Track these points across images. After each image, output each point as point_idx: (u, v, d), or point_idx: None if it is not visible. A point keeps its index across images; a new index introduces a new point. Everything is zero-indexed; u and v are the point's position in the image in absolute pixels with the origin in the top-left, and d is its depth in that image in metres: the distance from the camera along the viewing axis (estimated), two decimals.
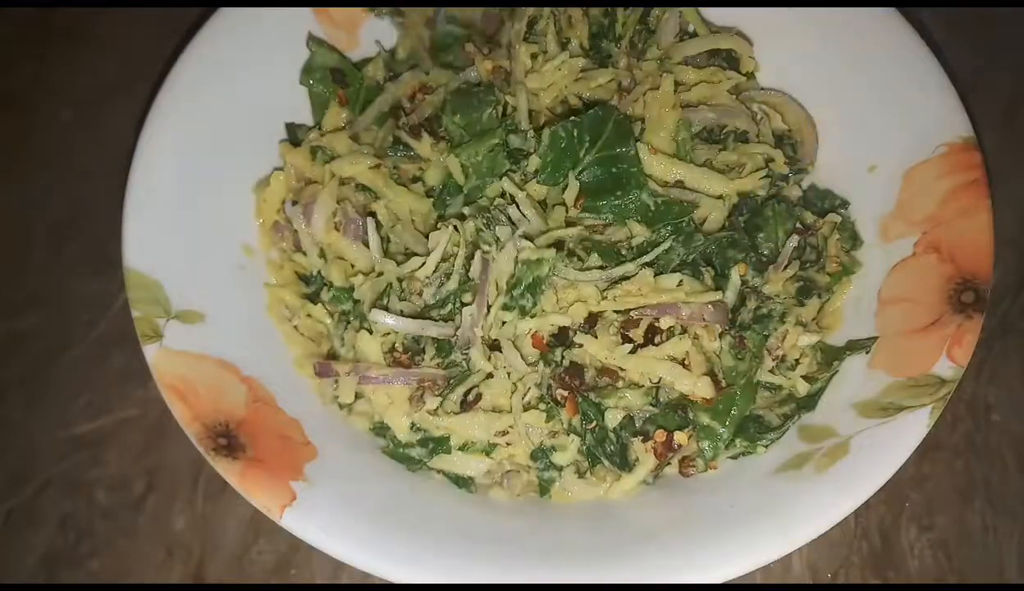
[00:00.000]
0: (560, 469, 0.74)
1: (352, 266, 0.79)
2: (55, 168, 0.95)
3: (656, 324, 0.73)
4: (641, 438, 0.74)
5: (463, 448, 0.75)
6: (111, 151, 0.90)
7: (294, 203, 0.81)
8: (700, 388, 0.72)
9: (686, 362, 0.73)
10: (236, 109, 0.83)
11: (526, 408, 0.73)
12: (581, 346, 0.73)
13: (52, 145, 0.96)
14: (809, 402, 0.75)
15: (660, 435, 0.73)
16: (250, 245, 0.81)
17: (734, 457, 0.74)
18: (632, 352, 0.72)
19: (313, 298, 0.80)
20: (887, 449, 0.68)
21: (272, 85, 0.86)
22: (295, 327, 0.79)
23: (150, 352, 0.72)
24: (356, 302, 0.77)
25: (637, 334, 0.73)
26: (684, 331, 0.73)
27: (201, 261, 0.78)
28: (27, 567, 0.78)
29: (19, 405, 0.84)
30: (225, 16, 0.84)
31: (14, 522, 0.80)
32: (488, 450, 0.74)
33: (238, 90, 0.84)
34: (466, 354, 0.74)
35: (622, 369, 0.73)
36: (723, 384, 0.74)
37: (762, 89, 0.87)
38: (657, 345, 0.73)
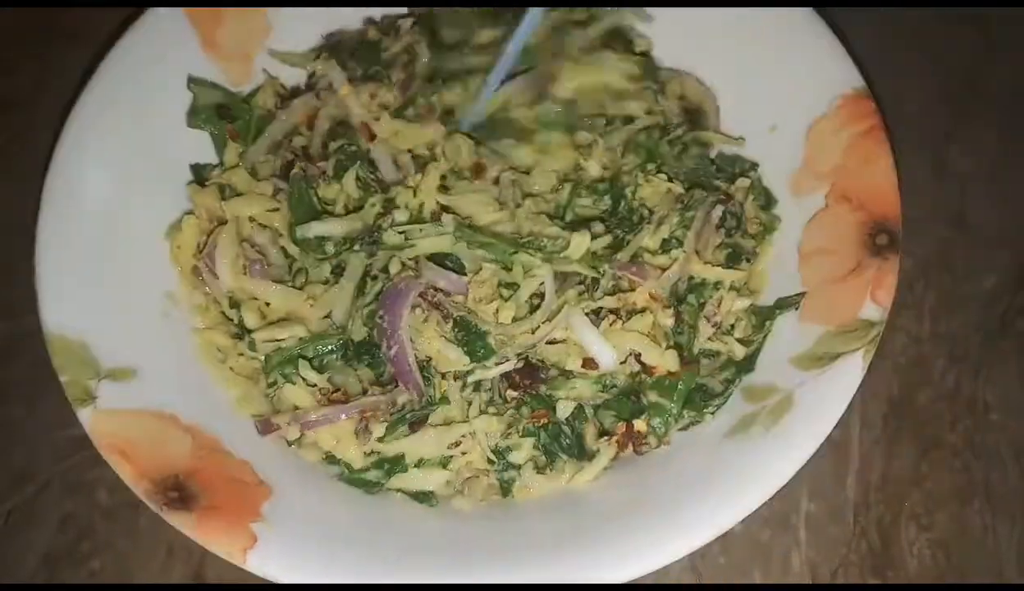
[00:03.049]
0: (519, 467, 0.74)
1: (267, 304, 0.78)
2: None
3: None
4: (606, 438, 0.74)
5: (419, 464, 0.74)
6: None
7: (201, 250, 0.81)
8: (667, 360, 0.74)
9: (651, 336, 0.74)
10: (140, 155, 0.83)
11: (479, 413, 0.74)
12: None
13: (52, 145, 0.96)
14: (748, 364, 0.77)
15: (621, 427, 0.74)
16: (173, 292, 0.81)
17: (683, 428, 0.76)
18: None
19: (243, 335, 0.79)
20: (829, 397, 0.70)
21: (172, 127, 0.85)
22: (230, 368, 0.78)
23: (84, 416, 0.71)
24: (267, 357, 0.76)
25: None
26: (644, 309, 0.75)
27: (125, 315, 0.77)
28: (28, 567, 0.77)
29: (20, 405, 0.84)
30: (116, 61, 0.84)
31: (15, 522, 0.79)
32: (444, 462, 0.74)
33: (139, 136, 0.83)
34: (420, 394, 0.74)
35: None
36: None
37: (660, 69, 0.89)
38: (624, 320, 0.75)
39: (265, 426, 0.75)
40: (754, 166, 0.85)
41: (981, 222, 0.90)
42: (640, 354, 0.74)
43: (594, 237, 0.76)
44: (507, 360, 0.73)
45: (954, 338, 0.86)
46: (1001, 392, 0.83)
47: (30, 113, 0.98)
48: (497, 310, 0.74)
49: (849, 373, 0.70)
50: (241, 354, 0.78)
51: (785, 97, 0.84)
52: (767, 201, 0.83)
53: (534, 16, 0.76)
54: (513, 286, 0.75)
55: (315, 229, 0.77)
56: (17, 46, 1.01)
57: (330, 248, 0.77)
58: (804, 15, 0.84)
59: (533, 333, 0.73)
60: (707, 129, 0.87)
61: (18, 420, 0.84)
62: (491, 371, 0.73)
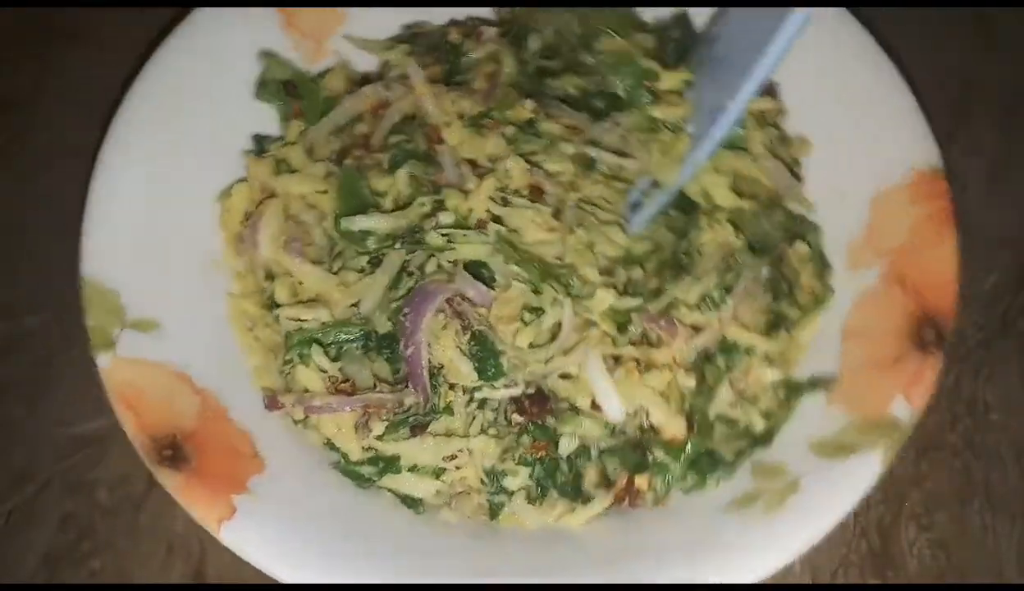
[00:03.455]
0: (511, 494, 0.73)
1: (300, 283, 0.78)
2: (56, 168, 0.95)
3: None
4: (603, 489, 0.73)
5: (413, 469, 0.74)
6: None
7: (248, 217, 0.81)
8: (674, 425, 0.72)
9: (665, 395, 0.72)
10: (206, 118, 0.83)
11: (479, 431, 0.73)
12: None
13: (52, 145, 0.97)
14: (765, 438, 0.74)
15: (621, 481, 0.73)
16: (215, 255, 0.81)
17: (685, 491, 0.73)
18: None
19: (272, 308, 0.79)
20: (837, 491, 0.67)
21: (241, 95, 0.86)
22: (256, 337, 0.79)
23: (102, 361, 0.71)
24: (288, 334, 0.76)
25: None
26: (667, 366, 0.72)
27: (162, 270, 0.77)
28: (28, 566, 0.78)
29: (20, 404, 0.84)
30: (192, 24, 0.84)
31: (15, 521, 0.79)
32: (438, 472, 0.74)
33: (208, 99, 0.83)
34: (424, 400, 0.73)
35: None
36: (695, 428, 0.73)
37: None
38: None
39: (272, 402, 0.75)
40: (816, 229, 0.81)
41: (982, 222, 0.89)
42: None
43: (623, 293, 0.74)
44: (515, 385, 0.72)
45: (954, 338, 0.86)
46: (1002, 392, 0.83)
47: (30, 113, 0.97)
48: (516, 332, 0.73)
49: (864, 471, 0.67)
50: (268, 326, 0.78)
51: (859, 162, 0.80)
52: (822, 269, 0.79)
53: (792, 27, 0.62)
54: (538, 311, 0.73)
55: (360, 222, 0.77)
56: (17, 46, 1.01)
57: (372, 243, 0.77)
58: (892, 81, 0.81)
59: (546, 364, 0.72)
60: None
61: (18, 420, 0.84)
62: (498, 392, 0.72)
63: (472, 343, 0.72)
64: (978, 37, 0.99)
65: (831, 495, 0.67)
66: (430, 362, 0.72)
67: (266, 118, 0.87)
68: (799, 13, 0.60)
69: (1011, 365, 0.84)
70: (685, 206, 0.78)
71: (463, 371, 0.72)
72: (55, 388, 0.85)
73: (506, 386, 0.72)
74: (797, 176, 0.83)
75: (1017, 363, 0.84)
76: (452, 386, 0.73)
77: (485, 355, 0.72)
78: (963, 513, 0.79)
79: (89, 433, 0.83)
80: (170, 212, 0.80)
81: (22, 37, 1.01)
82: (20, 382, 0.85)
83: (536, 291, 0.73)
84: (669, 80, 0.80)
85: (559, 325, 0.73)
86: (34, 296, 0.89)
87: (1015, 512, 0.79)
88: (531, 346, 0.72)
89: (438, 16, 0.91)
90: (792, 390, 0.75)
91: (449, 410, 0.73)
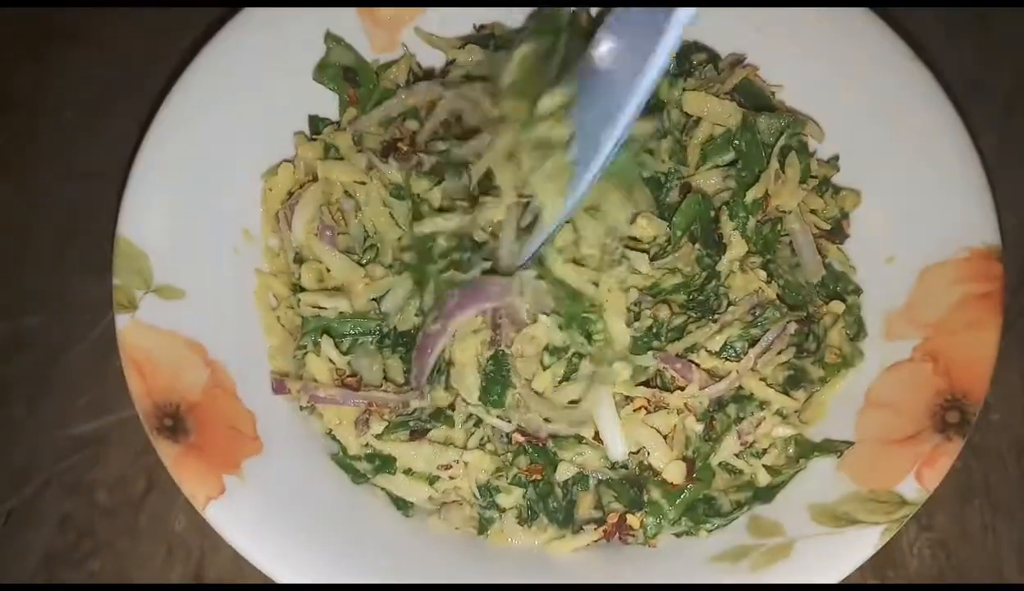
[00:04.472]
0: (502, 511, 0.73)
1: (328, 270, 0.78)
2: (56, 168, 0.95)
3: None
4: (593, 525, 0.72)
5: (407, 472, 0.73)
6: (112, 151, 0.90)
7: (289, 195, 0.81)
8: (671, 470, 0.70)
9: (669, 438, 0.71)
10: (264, 95, 0.83)
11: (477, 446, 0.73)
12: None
13: (53, 145, 0.97)
14: (767, 494, 0.72)
15: (613, 517, 0.72)
16: (250, 230, 0.81)
17: (677, 535, 0.72)
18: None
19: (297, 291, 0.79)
20: (828, 563, 0.65)
21: (306, 77, 0.86)
22: (278, 317, 0.79)
23: (121, 322, 0.72)
24: (305, 320, 0.76)
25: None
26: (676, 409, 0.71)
27: (196, 239, 0.77)
28: (27, 567, 0.78)
29: (20, 405, 0.84)
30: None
31: (14, 522, 0.79)
32: (431, 479, 0.73)
33: (268, 77, 0.83)
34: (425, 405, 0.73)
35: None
36: (695, 475, 0.71)
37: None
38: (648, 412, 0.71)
39: (279, 386, 0.75)
40: (857, 290, 0.78)
41: None
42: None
43: (648, 330, 0.72)
44: (508, 422, 0.71)
45: None
46: (1002, 392, 0.83)
47: (30, 113, 0.98)
48: (535, 374, 0.71)
49: (859, 546, 0.65)
50: (291, 308, 0.78)
51: (912, 229, 0.77)
52: (857, 333, 0.76)
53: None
54: (560, 352, 0.72)
55: (428, 226, 0.75)
56: (17, 46, 1.01)
57: (443, 241, 0.74)
58: (964, 151, 0.77)
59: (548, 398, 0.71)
60: (837, 243, 0.80)
61: (18, 420, 0.83)
62: (490, 419, 0.71)
63: (491, 361, 0.71)
64: (978, 38, 0.99)
65: (820, 566, 0.65)
66: (442, 356, 0.72)
67: (329, 103, 0.87)
68: (683, 12, 0.51)
69: (1012, 365, 0.84)
70: (715, 243, 0.76)
71: (467, 382, 0.71)
72: (55, 388, 0.85)
73: (499, 418, 0.71)
74: (843, 230, 0.81)
75: (1018, 363, 0.84)
76: (448, 388, 0.72)
77: (495, 379, 0.71)
78: (963, 513, 0.79)
79: (88, 434, 0.83)
80: (214, 184, 0.80)
81: (22, 37, 1.02)
82: (20, 382, 0.85)
83: (561, 328, 0.72)
84: (547, 101, 0.69)
85: (577, 356, 0.72)
86: (34, 296, 0.89)
87: (1015, 512, 0.79)
88: (542, 395, 0.71)
89: (515, 18, 0.90)
90: (803, 449, 0.73)
91: (450, 421, 0.73)
